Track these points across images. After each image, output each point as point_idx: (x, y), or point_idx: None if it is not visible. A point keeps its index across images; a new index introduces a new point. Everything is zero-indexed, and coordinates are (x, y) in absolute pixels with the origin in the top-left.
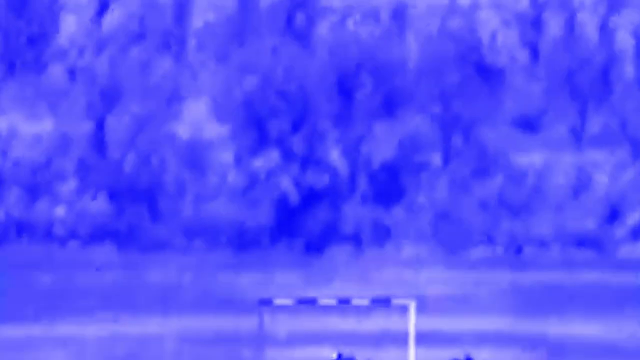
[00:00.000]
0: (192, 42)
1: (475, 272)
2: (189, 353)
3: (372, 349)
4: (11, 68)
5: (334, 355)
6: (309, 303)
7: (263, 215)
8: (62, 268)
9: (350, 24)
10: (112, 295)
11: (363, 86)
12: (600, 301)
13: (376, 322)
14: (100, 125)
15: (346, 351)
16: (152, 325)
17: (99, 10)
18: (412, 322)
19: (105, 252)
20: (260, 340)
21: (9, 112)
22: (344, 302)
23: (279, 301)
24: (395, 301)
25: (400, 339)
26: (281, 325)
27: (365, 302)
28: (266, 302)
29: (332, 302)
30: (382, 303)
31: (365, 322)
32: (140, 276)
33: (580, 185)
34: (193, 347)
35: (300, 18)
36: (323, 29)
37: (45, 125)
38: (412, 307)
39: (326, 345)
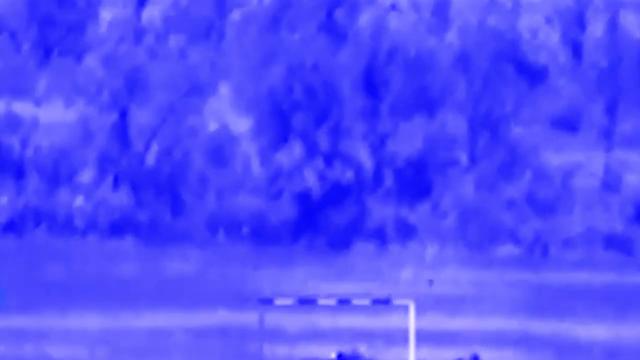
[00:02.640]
0: (227, 35)
1: (499, 272)
2: (199, 347)
3: (373, 347)
4: (47, 56)
5: (333, 355)
6: (309, 302)
7: (286, 210)
8: (81, 259)
9: (387, 19)
10: (130, 288)
11: (392, 81)
12: (625, 303)
13: (379, 321)
14: (124, 116)
15: (347, 349)
16: (167, 319)
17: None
18: (412, 322)
19: (125, 244)
20: (261, 338)
21: (39, 100)
22: (344, 302)
23: (279, 301)
24: (396, 301)
25: (403, 338)
26: (282, 323)
27: (365, 301)
28: (266, 301)
29: (332, 301)
30: (382, 303)
31: (367, 320)
32: (160, 269)
33: (609, 186)
34: (204, 342)
35: (339, 12)
36: (360, 23)
37: (69, 114)
38: (412, 306)
39: (326, 344)
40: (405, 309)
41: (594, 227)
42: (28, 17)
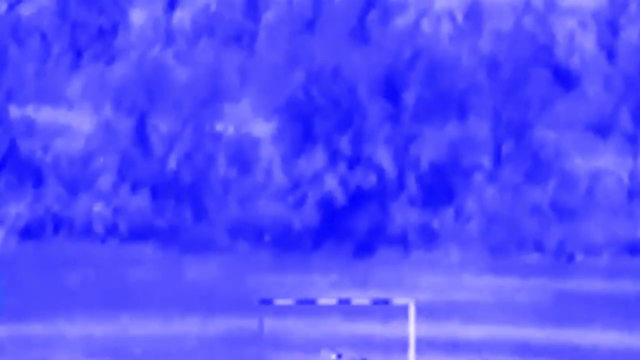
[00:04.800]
0: (253, 40)
1: (523, 279)
2: (216, 354)
3: (373, 350)
4: (75, 61)
5: (333, 357)
6: (308, 303)
7: (308, 216)
8: (101, 265)
9: (419, 23)
10: (150, 294)
11: (416, 85)
12: None
13: (382, 325)
14: (144, 120)
15: (349, 354)
16: (187, 325)
17: (170, 4)
18: (411, 322)
19: (145, 250)
20: (261, 341)
21: (61, 105)
22: (344, 302)
23: (279, 301)
24: (396, 301)
25: (404, 343)
26: (283, 325)
27: (365, 301)
28: (266, 302)
29: (332, 301)
30: (382, 303)
31: (369, 324)
32: (180, 276)
33: (635, 192)
34: (221, 349)
35: (371, 16)
36: (390, 28)
37: (91, 119)
38: (412, 307)
39: (327, 348)
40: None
41: (619, 234)
42: (59, 20)
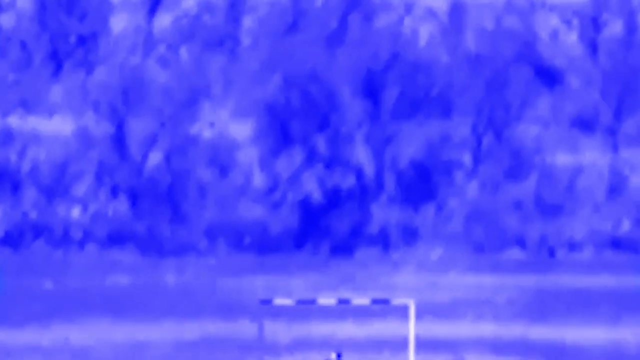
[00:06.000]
0: (240, 43)
1: (505, 275)
2: (194, 358)
3: (372, 350)
4: (58, 69)
5: (333, 356)
6: (308, 303)
7: (287, 217)
8: (80, 271)
9: (401, 23)
10: (129, 299)
11: (397, 83)
12: (633, 306)
13: (378, 325)
14: (122, 125)
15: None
16: (167, 330)
17: (150, 10)
18: (412, 321)
19: (124, 255)
20: (260, 340)
21: (39, 112)
22: (344, 302)
23: (278, 301)
24: (396, 301)
25: (403, 342)
26: (281, 328)
27: (365, 301)
28: (266, 302)
29: (332, 301)
30: (382, 302)
31: (367, 323)
32: (160, 280)
33: (616, 187)
34: (203, 353)
35: (352, 16)
36: (372, 28)
37: (68, 125)
38: (412, 305)
39: (326, 346)
40: (405, 309)
41: (601, 229)
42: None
